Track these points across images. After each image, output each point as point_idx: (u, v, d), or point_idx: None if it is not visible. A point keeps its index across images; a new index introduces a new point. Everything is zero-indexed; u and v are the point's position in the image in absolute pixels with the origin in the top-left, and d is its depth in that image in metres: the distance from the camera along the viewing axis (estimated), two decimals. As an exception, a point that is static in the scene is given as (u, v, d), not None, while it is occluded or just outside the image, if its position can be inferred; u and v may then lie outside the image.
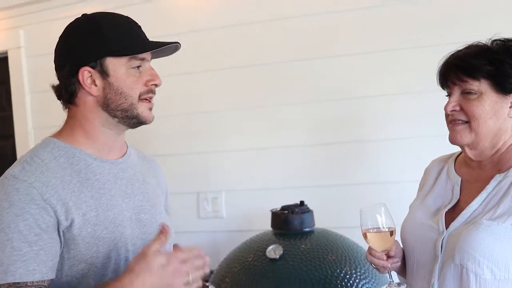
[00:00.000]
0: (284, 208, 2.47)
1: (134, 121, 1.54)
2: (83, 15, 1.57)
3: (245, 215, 2.97)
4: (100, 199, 1.48)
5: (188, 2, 3.11)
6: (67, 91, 1.52)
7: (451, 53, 1.65)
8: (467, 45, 1.64)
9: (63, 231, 1.41)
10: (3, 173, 1.47)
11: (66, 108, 1.57)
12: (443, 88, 1.68)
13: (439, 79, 1.68)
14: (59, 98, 1.57)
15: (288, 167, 2.92)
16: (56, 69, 1.55)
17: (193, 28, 3.07)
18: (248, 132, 3.00)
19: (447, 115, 1.64)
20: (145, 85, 1.52)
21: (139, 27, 1.57)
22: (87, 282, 1.43)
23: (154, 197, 1.67)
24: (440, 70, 1.66)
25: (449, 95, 1.64)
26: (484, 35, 1.64)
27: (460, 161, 1.73)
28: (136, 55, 1.50)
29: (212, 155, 3.06)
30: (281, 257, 2.23)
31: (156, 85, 1.55)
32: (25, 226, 1.36)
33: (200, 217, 3.06)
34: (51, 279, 1.40)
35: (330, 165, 2.86)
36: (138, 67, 1.52)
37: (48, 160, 1.47)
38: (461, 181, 1.68)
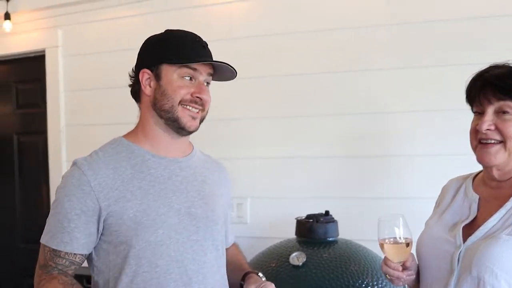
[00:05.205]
0: (309, 216, 2.49)
1: (176, 124, 1.69)
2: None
3: (269, 222, 3.00)
4: (148, 191, 1.66)
5: (222, 11, 3.17)
6: (133, 89, 1.76)
7: (482, 71, 1.64)
8: (495, 65, 1.63)
9: (107, 214, 1.63)
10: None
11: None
12: (471, 105, 1.67)
13: (470, 96, 1.66)
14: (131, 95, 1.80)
15: (314, 177, 2.95)
16: None
17: (226, 36, 3.13)
18: (276, 140, 3.03)
19: (475, 133, 1.62)
20: (191, 95, 1.68)
21: (204, 46, 1.73)
22: (129, 261, 1.64)
23: (210, 197, 1.79)
24: (473, 86, 1.65)
25: (479, 112, 1.63)
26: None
27: (478, 180, 1.74)
28: (188, 65, 1.66)
29: (239, 162, 3.09)
30: (304, 264, 2.25)
31: (200, 98, 1.69)
32: (69, 206, 1.62)
33: (225, 222, 3.09)
34: (83, 256, 1.67)
35: (356, 177, 2.88)
36: (191, 78, 1.68)
37: (109, 154, 1.70)
38: (479, 199, 1.68)
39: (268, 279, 2.22)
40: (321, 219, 2.45)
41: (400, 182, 2.78)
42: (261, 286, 1.66)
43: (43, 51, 3.61)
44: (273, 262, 2.32)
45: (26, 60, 3.73)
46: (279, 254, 2.36)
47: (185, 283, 1.66)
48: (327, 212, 2.52)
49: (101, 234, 1.67)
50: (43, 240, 1.67)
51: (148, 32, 1.81)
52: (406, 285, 1.73)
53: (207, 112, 1.76)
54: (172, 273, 1.65)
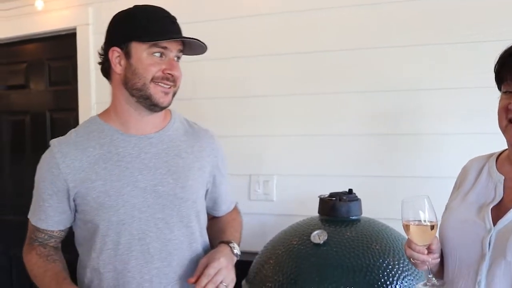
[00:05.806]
0: (332, 195, 2.47)
1: (148, 102, 1.70)
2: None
3: (295, 200, 3.00)
4: (113, 171, 1.70)
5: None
6: (103, 67, 1.75)
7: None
8: None
9: (75, 194, 1.73)
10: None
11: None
12: (500, 83, 1.62)
13: (500, 74, 1.60)
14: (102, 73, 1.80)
15: (340, 155, 2.93)
16: None
17: (253, 12, 3.10)
18: (302, 118, 3.01)
19: (506, 112, 1.57)
20: (162, 71, 1.68)
21: (173, 22, 1.73)
22: (95, 239, 1.74)
23: (183, 172, 1.79)
24: (505, 63, 1.59)
25: (510, 91, 1.57)
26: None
27: (503, 160, 1.69)
28: (158, 43, 1.66)
29: (266, 139, 3.10)
30: (325, 242, 2.23)
31: (171, 75, 1.69)
32: (43, 186, 1.77)
33: (251, 199, 3.10)
34: (62, 230, 1.83)
35: (382, 156, 2.85)
36: (161, 55, 1.68)
37: (81, 134, 1.78)
38: (504, 179, 1.63)
39: (289, 256, 2.24)
40: (344, 198, 2.42)
41: (426, 160, 2.74)
42: (209, 261, 1.70)
43: (74, 29, 3.64)
44: (294, 240, 2.32)
45: (58, 38, 3.78)
46: (301, 232, 2.35)
47: (147, 261, 1.71)
48: (350, 191, 2.49)
49: (75, 211, 1.79)
50: (28, 215, 1.85)
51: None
52: (430, 269, 1.68)
53: (178, 87, 1.75)
54: (134, 250, 1.70)
